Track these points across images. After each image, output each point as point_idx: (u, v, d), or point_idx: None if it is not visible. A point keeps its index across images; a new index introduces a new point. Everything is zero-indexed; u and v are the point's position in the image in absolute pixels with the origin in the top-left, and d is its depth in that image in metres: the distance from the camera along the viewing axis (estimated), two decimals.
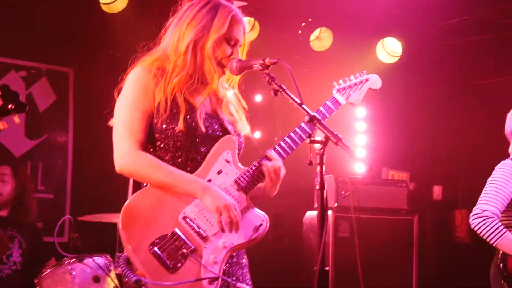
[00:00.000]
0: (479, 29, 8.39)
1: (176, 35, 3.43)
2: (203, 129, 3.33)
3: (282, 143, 3.39)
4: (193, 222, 3.22)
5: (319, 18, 8.48)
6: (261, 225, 3.30)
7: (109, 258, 5.64)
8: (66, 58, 7.86)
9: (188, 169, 3.31)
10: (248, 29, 3.59)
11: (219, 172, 3.31)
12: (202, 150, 3.34)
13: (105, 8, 7.42)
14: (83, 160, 7.84)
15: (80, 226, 5.98)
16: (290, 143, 3.39)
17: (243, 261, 3.49)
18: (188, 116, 3.32)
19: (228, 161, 3.34)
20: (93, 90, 7.72)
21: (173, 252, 3.16)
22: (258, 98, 9.16)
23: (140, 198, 3.25)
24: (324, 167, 3.01)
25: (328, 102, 3.55)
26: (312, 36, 8.58)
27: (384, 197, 7.39)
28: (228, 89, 3.61)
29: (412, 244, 7.31)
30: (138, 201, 3.24)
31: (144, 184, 3.38)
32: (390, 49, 8.80)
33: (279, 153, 3.38)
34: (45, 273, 5.45)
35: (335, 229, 7.04)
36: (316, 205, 3.06)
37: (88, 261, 5.46)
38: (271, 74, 3.25)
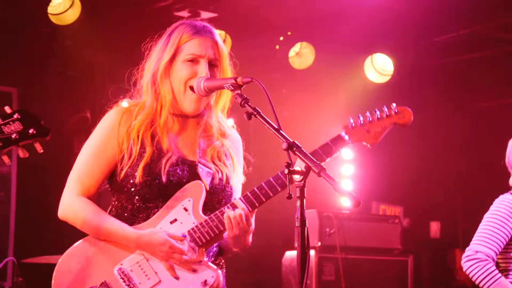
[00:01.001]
0: (479, 45, 8.51)
1: (143, 79, 3.57)
2: (164, 179, 3.44)
3: (256, 189, 3.44)
4: (125, 275, 3.39)
5: (299, 32, 8.54)
6: (206, 280, 3.39)
7: None
8: (9, 75, 7.82)
9: (143, 219, 3.47)
10: (219, 39, 3.61)
11: (173, 221, 3.45)
12: (158, 202, 3.46)
13: (54, 19, 7.39)
14: (29, 193, 7.78)
15: (25, 269, 5.93)
16: (267, 189, 3.44)
17: None
18: (150, 165, 3.44)
19: (186, 210, 3.45)
20: (40, 113, 7.64)
21: None
22: (229, 122, 9.19)
23: (81, 246, 3.48)
24: (305, 201, 3.01)
25: (329, 141, 3.57)
26: (292, 52, 8.64)
27: (374, 235, 7.42)
28: (224, 129, 3.67)
29: None
30: (78, 249, 3.48)
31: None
32: (380, 67, 8.88)
33: (249, 201, 3.43)
34: None
35: (319, 272, 7.05)
36: (296, 244, 3.06)
37: None
38: (244, 95, 3.25)
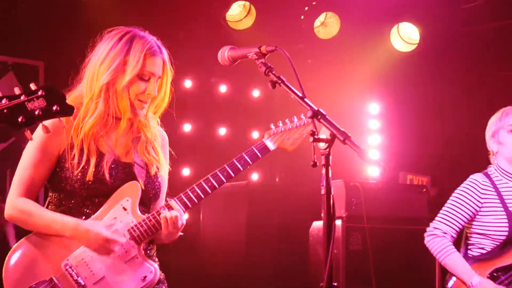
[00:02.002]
0: (506, 12, 8.40)
1: (90, 74, 3.72)
2: (106, 180, 3.62)
3: (189, 191, 3.66)
4: (73, 270, 3.57)
5: (324, 2, 8.49)
6: (146, 276, 3.63)
7: None
8: (35, 49, 7.87)
9: (83, 217, 3.64)
10: (167, 58, 3.78)
11: (113, 220, 3.63)
12: (96, 200, 3.65)
13: None
14: None
15: None
16: (199, 191, 3.67)
17: None
18: (98, 165, 3.62)
19: (125, 209, 3.65)
20: (66, 86, 7.72)
21: None
22: (255, 93, 9.18)
23: (29, 241, 3.64)
24: (330, 169, 3.01)
25: (254, 148, 3.76)
26: (317, 22, 8.60)
27: (401, 204, 7.40)
28: (150, 125, 3.85)
29: (434, 258, 7.32)
30: (26, 243, 3.63)
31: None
32: (406, 36, 8.82)
33: (183, 202, 3.66)
34: None
35: (346, 242, 7.05)
36: (323, 213, 3.07)
37: None
38: (268, 63, 3.27)
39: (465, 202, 5.08)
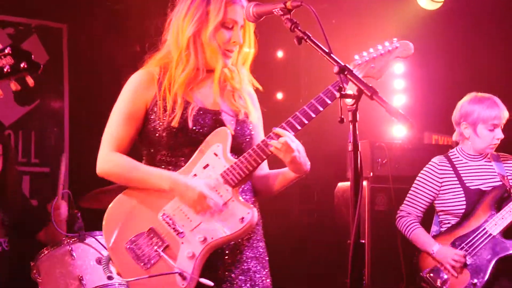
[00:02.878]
0: None
1: (175, 30, 3.81)
2: (190, 126, 3.68)
3: (291, 119, 3.60)
4: (170, 219, 3.67)
5: None
6: (243, 218, 3.60)
7: None
8: (59, 12, 7.88)
9: (171, 167, 3.75)
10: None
11: (205, 167, 3.69)
12: (186, 150, 3.72)
13: None
14: (82, 128, 7.88)
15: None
16: (302, 117, 3.59)
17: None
18: (183, 113, 3.70)
19: (216, 154, 3.68)
20: (90, 48, 7.75)
21: (148, 249, 3.66)
22: (280, 54, 9.14)
23: (123, 198, 3.78)
24: (357, 125, 3.00)
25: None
26: None
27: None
28: (238, 75, 3.91)
29: None
30: (121, 200, 3.77)
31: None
32: None
33: (290, 126, 3.61)
34: (42, 254, 5.49)
35: (371, 202, 7.05)
36: (349, 173, 3.06)
37: (90, 240, 5.49)
38: (294, 19, 3.28)
39: (424, 184, 5.60)
